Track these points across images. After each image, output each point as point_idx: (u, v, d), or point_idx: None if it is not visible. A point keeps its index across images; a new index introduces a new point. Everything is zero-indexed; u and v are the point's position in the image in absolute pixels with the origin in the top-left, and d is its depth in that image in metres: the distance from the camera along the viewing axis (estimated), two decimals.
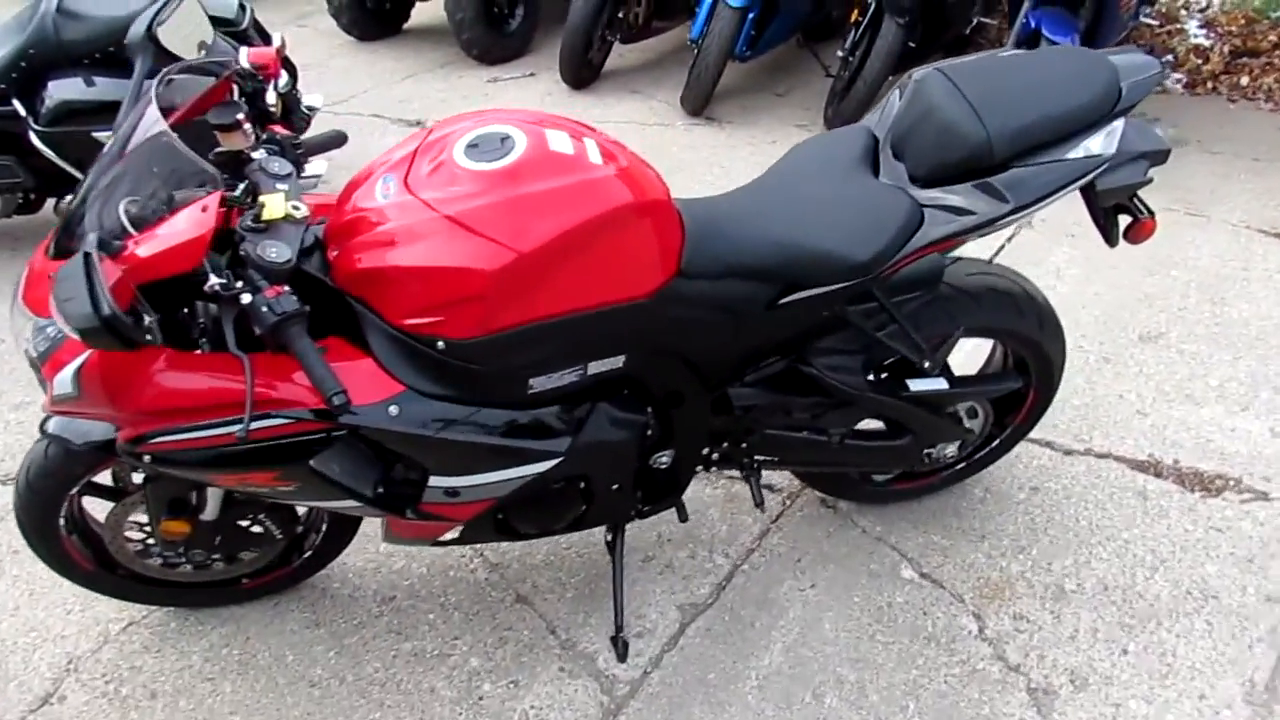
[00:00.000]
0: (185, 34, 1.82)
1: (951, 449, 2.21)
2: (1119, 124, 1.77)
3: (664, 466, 1.98)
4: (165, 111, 1.62)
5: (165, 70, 1.72)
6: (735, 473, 2.24)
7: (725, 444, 2.03)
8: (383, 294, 1.58)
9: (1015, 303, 2.03)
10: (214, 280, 1.42)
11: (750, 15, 4.36)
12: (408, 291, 1.56)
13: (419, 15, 5.78)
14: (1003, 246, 3.49)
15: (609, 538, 2.14)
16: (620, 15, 4.93)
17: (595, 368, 1.74)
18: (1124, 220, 1.95)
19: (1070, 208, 1.93)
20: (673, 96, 4.72)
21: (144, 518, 1.94)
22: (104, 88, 3.26)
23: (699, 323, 1.77)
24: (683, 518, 2.13)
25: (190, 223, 1.45)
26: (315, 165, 3.66)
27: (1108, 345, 2.96)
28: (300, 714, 1.98)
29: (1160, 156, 1.88)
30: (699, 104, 4.58)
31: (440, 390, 1.64)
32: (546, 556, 2.30)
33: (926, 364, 1.92)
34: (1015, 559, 2.28)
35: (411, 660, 2.08)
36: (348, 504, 1.76)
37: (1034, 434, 2.48)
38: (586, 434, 1.78)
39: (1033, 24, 3.71)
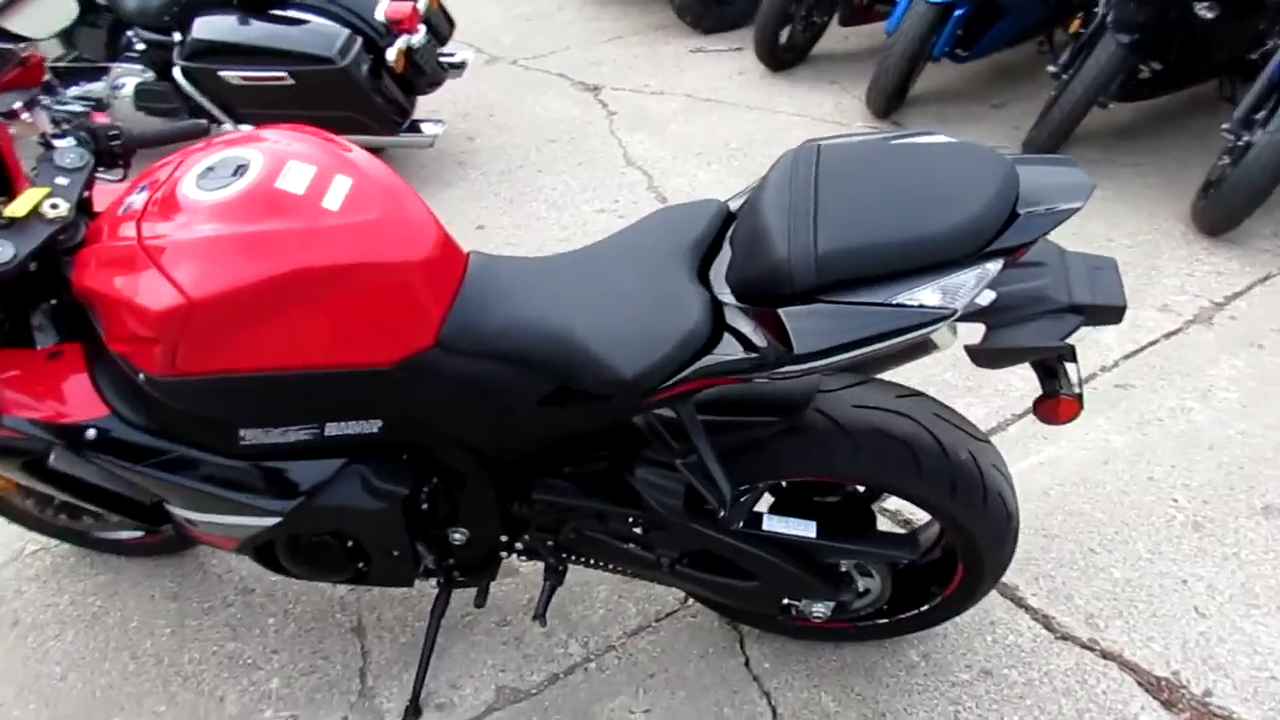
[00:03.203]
0: (44, 15, 1.81)
1: (820, 607, 1.78)
2: (992, 267, 1.26)
3: (459, 544, 1.77)
4: None
5: None
6: None
7: (527, 535, 1.77)
8: (100, 311, 1.50)
9: (913, 457, 1.56)
10: None
11: (957, 13, 3.76)
12: (111, 315, 1.47)
13: None
14: (1155, 342, 2.78)
15: (437, 595, 1.97)
16: None
17: (338, 429, 1.56)
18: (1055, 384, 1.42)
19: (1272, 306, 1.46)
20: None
21: None
22: (245, 30, 3.45)
23: (464, 405, 1.53)
24: (478, 603, 1.90)
25: None
26: (429, 129, 3.70)
27: (1211, 507, 2.26)
28: (103, 685, 2.03)
29: (1108, 315, 1.34)
30: (883, 105, 4.05)
31: (145, 423, 1.55)
32: (409, 592, 2.17)
33: (722, 512, 1.53)
34: None
35: (225, 662, 2.06)
36: (98, 509, 1.73)
37: (1032, 596, 1.99)
38: (328, 495, 1.61)
39: None
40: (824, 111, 4.28)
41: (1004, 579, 2.10)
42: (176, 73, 3.52)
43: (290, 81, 3.45)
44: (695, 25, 5.19)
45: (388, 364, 1.47)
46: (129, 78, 3.73)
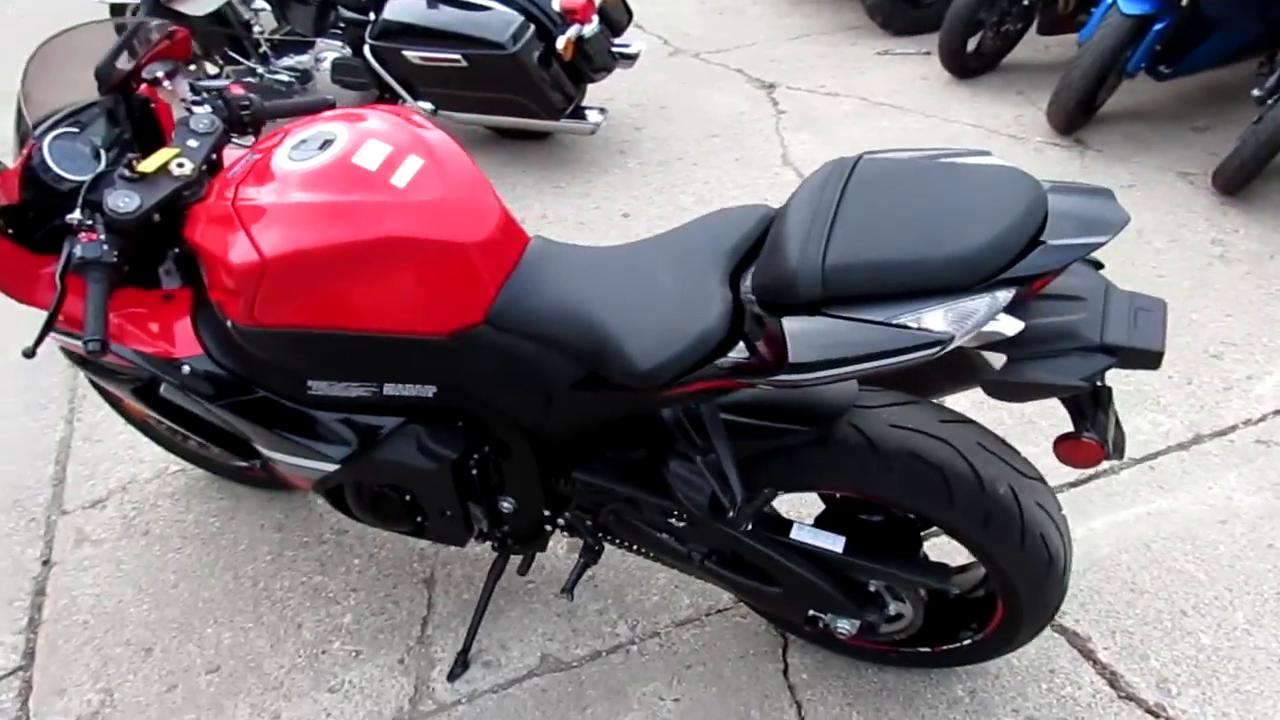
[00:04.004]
0: None
1: (845, 624, 1.75)
2: (1002, 296, 1.20)
3: (508, 512, 1.86)
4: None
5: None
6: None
7: (568, 512, 1.84)
8: (202, 262, 1.68)
9: (945, 484, 1.51)
10: (70, 216, 1.63)
11: (1157, 27, 3.50)
12: (209, 266, 1.64)
13: None
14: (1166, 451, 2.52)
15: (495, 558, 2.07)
16: (1026, 2, 4.25)
17: (395, 390, 1.69)
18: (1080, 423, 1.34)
19: None
20: None
21: None
22: (429, 13, 3.67)
23: (507, 380, 1.62)
24: (520, 571, 1.98)
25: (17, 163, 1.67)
26: (592, 116, 3.83)
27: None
28: (206, 597, 2.26)
29: (1143, 359, 1.26)
30: (1064, 120, 3.83)
31: (231, 365, 1.72)
32: (481, 553, 2.29)
33: (731, 514, 1.53)
34: None
35: (309, 593, 2.25)
36: (200, 439, 1.94)
37: (1103, 650, 1.92)
38: (384, 450, 1.74)
39: None
40: (1001, 123, 4.10)
41: (1075, 628, 2.01)
42: (366, 50, 3.81)
43: (464, 64, 3.65)
44: (885, 26, 5.09)
45: (439, 335, 1.57)
46: (329, 52, 4.06)
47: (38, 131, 1.73)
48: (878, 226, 1.28)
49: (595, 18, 3.75)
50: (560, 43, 3.64)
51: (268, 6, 4.20)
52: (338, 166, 1.55)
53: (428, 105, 3.90)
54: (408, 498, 1.84)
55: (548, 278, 1.60)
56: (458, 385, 1.67)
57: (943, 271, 1.22)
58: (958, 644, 1.82)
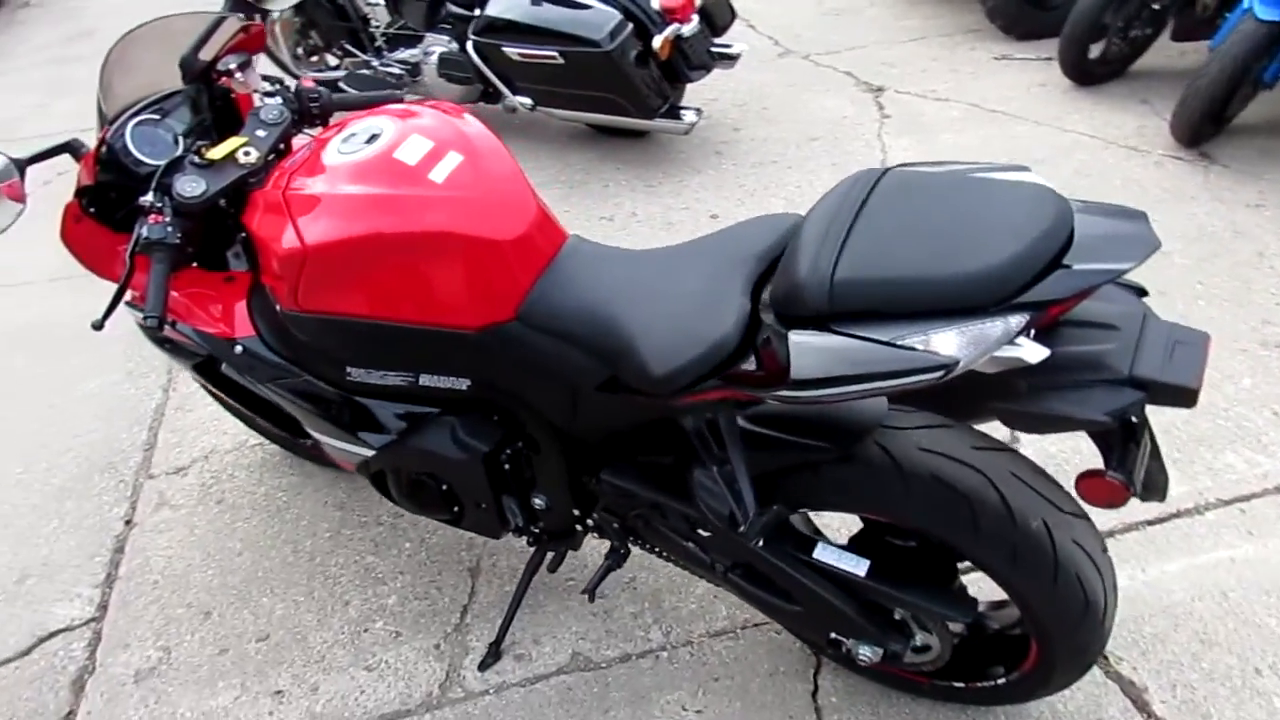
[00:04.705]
0: None
1: (867, 650, 1.68)
2: (1015, 320, 1.13)
3: (540, 509, 1.87)
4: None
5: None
6: None
7: (596, 513, 1.83)
8: (256, 246, 1.74)
9: (971, 514, 1.44)
10: (143, 198, 1.73)
11: None
12: (261, 250, 1.71)
13: None
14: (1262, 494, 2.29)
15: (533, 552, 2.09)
16: (1157, 6, 4.01)
17: (431, 380, 1.72)
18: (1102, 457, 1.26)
19: None
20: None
21: None
22: (529, 10, 3.73)
23: (536, 377, 1.64)
24: (550, 568, 1.98)
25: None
26: (688, 116, 3.83)
27: None
28: (266, 567, 2.35)
29: (1177, 396, 1.17)
30: (1188, 132, 3.60)
31: (279, 348, 1.78)
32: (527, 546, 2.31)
33: (742, 528, 1.49)
34: None
35: (361, 572, 2.31)
36: (253, 416, 2.02)
37: (1160, 703, 1.83)
38: (418, 438, 1.78)
39: None
40: (1120, 134, 3.88)
41: (1132, 676, 1.90)
42: (469, 45, 3.89)
43: (560, 61, 3.69)
44: (1007, 30, 4.89)
45: (470, 329, 1.60)
46: (437, 47, 4.16)
47: (123, 118, 1.83)
48: (893, 241, 1.23)
49: (695, 17, 3.73)
50: (657, 41, 3.63)
51: (381, 2, 4.34)
52: (380, 160, 1.59)
53: (526, 101, 3.95)
54: (444, 487, 1.88)
55: (579, 278, 1.60)
56: (490, 379, 1.69)
57: (954, 291, 1.16)
58: (992, 682, 1.74)
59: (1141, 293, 1.30)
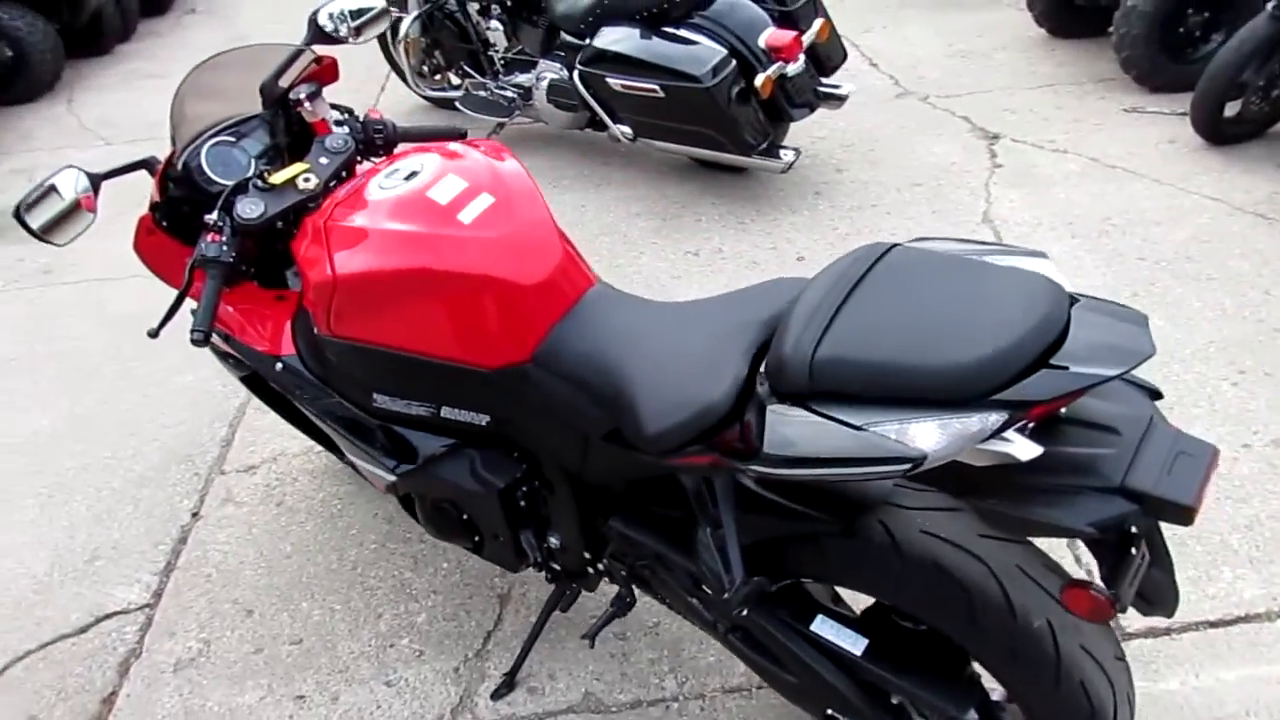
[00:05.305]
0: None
1: None
2: (994, 418, 1.07)
3: (554, 548, 1.88)
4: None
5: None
6: None
7: (605, 559, 1.83)
8: (300, 269, 1.82)
9: (969, 606, 1.37)
10: (208, 216, 1.83)
11: None
12: (303, 274, 1.78)
13: None
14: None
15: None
16: None
17: (452, 414, 1.75)
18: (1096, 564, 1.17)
19: None
20: None
21: None
22: (636, 43, 3.77)
23: (548, 420, 1.65)
24: (562, 609, 1.98)
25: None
26: (786, 155, 3.81)
27: None
28: (310, 572, 2.44)
29: (1172, 513, 1.09)
30: None
31: (315, 368, 1.84)
32: None
33: (725, 595, 1.45)
34: None
35: (397, 587, 2.37)
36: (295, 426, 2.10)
37: None
38: (437, 468, 1.81)
39: None
40: (1249, 199, 3.64)
41: None
42: (575, 74, 3.96)
43: (660, 94, 3.72)
44: (1141, 81, 4.66)
45: (486, 367, 1.63)
46: (548, 73, 4.25)
47: (203, 137, 1.94)
48: (881, 322, 1.19)
49: (802, 57, 3.70)
50: (759, 80, 3.61)
51: (500, 26, 4.46)
52: (413, 198, 1.64)
53: (627, 130, 4.00)
54: (465, 516, 1.91)
55: (597, 326, 1.61)
56: (508, 417, 1.71)
57: (933, 381, 1.11)
58: None
59: (1155, 395, 1.22)
